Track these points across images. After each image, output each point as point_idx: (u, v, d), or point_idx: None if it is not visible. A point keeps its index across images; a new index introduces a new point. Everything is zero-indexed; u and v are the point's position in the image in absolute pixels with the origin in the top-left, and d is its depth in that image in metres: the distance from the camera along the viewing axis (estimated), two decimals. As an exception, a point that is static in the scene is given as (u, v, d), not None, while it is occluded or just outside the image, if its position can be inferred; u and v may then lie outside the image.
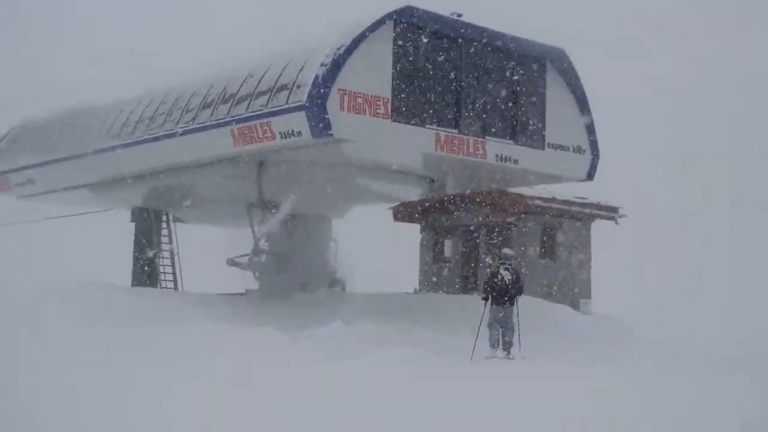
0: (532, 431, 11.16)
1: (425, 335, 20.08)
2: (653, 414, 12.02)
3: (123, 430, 11.07)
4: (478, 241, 29.99)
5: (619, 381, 14.47)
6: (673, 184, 47.62)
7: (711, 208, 43.71)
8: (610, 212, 30.96)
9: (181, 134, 23.16)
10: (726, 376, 15.91)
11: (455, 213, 30.19)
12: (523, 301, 23.61)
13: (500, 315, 18.35)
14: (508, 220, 28.99)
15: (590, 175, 25.11)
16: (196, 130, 22.70)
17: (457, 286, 30.14)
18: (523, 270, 26.20)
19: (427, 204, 30.33)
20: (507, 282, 18.45)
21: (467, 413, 11.80)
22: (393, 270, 30.91)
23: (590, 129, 24.69)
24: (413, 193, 26.19)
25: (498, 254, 20.35)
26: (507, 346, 18.33)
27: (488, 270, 19.13)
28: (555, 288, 29.13)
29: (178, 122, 23.52)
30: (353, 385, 13.60)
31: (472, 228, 30.28)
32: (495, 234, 29.33)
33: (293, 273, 25.51)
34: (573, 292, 29.79)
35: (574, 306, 28.73)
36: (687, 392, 13.71)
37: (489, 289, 18.58)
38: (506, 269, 18.65)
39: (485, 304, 18.46)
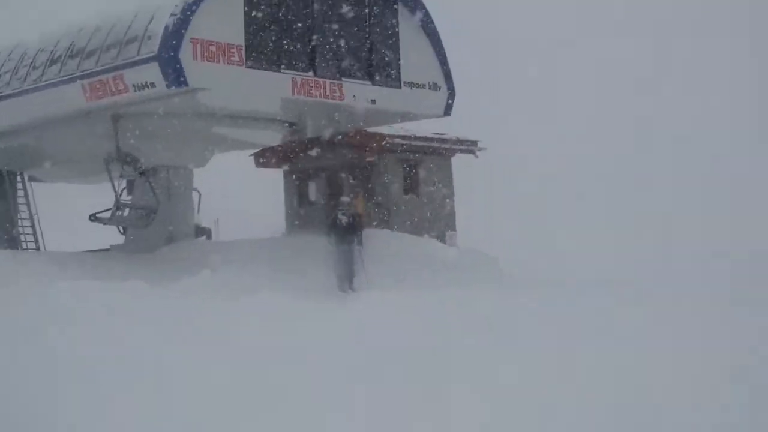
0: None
1: (292, 278, 20.37)
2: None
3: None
4: (340, 182, 30.23)
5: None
6: (536, 118, 48.42)
7: (574, 144, 44.63)
8: (469, 146, 31.58)
9: (29, 91, 22.56)
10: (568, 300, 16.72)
11: (317, 156, 30.26)
12: (388, 235, 24.66)
13: (345, 250, 21.09)
14: (368, 159, 29.29)
15: (447, 112, 25.50)
16: (45, 87, 22.18)
17: (323, 227, 30.29)
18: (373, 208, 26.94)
19: (288, 148, 30.32)
20: (344, 224, 21.35)
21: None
22: (259, 216, 30.92)
23: (444, 65, 25.00)
24: (274, 139, 26.22)
25: (339, 201, 23.55)
26: (351, 277, 20.92)
27: (329, 218, 22.77)
28: (421, 222, 29.63)
29: (24, 79, 22.89)
30: (222, 333, 13.67)
31: (334, 169, 30.46)
32: (357, 173, 29.61)
33: (158, 225, 25.26)
34: (439, 225, 30.40)
35: (441, 239, 29.37)
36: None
37: (330, 231, 21.62)
38: (343, 214, 21.59)
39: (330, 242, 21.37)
